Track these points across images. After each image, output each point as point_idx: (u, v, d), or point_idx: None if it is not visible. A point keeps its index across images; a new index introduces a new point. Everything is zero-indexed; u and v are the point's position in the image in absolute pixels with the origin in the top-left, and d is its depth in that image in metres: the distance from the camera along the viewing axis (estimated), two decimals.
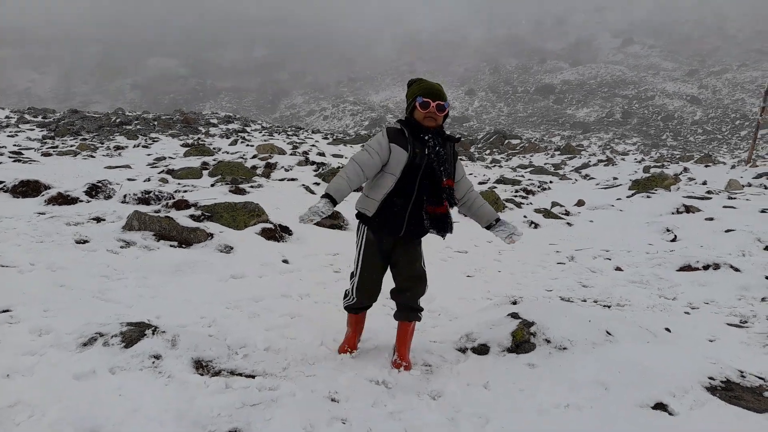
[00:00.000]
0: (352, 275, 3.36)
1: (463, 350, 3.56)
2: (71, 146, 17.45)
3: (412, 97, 3.18)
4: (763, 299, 4.94)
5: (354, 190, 3.15)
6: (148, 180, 9.71)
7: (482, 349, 3.48)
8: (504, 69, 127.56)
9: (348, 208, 8.24)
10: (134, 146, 18.08)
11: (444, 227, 3.21)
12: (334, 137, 30.01)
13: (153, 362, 2.95)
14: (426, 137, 3.11)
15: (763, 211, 8.97)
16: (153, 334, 3.20)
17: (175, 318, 3.69)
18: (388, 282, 3.48)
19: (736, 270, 5.71)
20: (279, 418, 2.61)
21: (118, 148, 17.24)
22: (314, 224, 7.24)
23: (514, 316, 3.72)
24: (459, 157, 3.37)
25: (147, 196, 7.27)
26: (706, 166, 21.00)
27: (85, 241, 5.18)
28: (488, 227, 3.36)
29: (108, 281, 4.31)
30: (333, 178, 3.07)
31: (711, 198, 11.21)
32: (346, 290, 3.44)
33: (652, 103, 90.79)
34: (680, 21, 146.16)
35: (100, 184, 7.52)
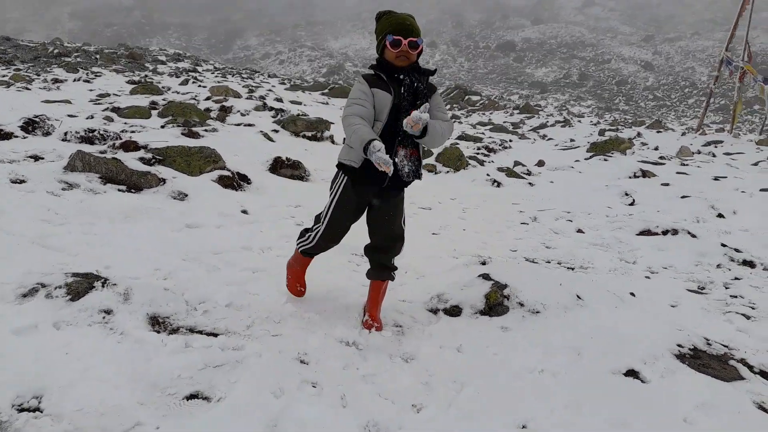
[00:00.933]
0: (318, 219, 3.14)
1: (434, 311, 3.46)
2: (3, 76, 16.03)
3: (381, 35, 2.90)
4: (718, 266, 5.08)
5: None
6: (92, 117, 9.00)
7: (454, 311, 3.39)
8: (467, 23, 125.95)
9: (308, 158, 7.93)
10: (74, 80, 16.78)
11: (417, 173, 3.00)
12: (292, 83, 28.97)
13: (103, 317, 2.70)
14: (401, 76, 2.87)
15: (715, 179, 9.26)
16: (103, 286, 2.93)
17: (126, 269, 3.40)
18: (360, 239, 3.31)
19: (693, 236, 5.85)
20: (245, 380, 2.43)
21: (56, 81, 15.95)
22: (274, 173, 6.95)
23: (486, 277, 3.63)
24: (437, 91, 3.11)
25: (91, 135, 6.71)
26: (658, 132, 21.58)
27: (21, 181, 4.71)
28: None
29: (49, 226, 3.92)
30: (349, 138, 2.76)
31: (664, 164, 11.50)
32: (307, 232, 3.22)
33: (608, 67, 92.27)
34: None
35: (37, 119, 6.87)
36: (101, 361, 2.40)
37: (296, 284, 3.33)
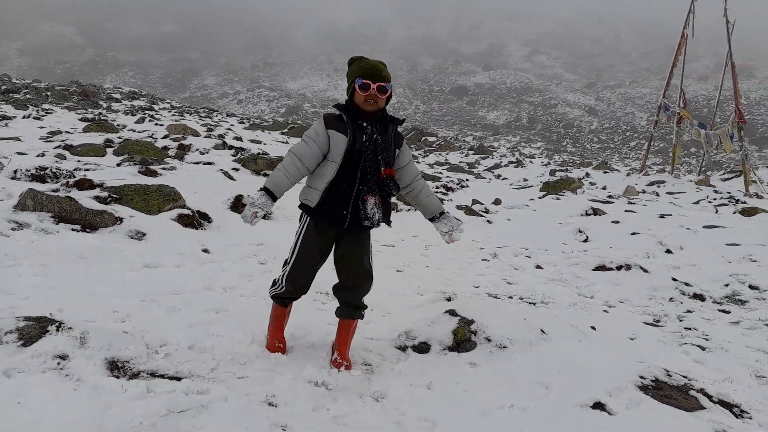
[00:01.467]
0: (286, 263, 3.12)
1: (402, 348, 3.44)
2: None
3: (351, 78, 2.97)
4: (671, 299, 5.28)
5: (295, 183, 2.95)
6: (43, 155, 8.70)
7: (423, 348, 3.39)
8: (421, 67, 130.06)
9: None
10: (24, 117, 16.22)
11: (387, 219, 3.06)
12: (251, 122, 28.94)
13: (58, 363, 2.55)
14: (364, 124, 2.93)
15: (661, 216, 9.73)
16: (57, 330, 2.78)
17: (82, 312, 3.25)
18: (326, 277, 3.29)
19: (645, 271, 6.09)
20: (212, 426, 2.33)
21: (4, 118, 15.39)
22: (235, 212, 6.85)
23: (452, 313, 3.66)
24: (404, 143, 3.20)
25: (42, 173, 6.47)
26: (605, 172, 22.58)
27: None
28: (432, 219, 3.22)
29: None
30: (272, 171, 2.86)
31: (613, 202, 12.01)
32: (275, 279, 3.20)
33: (554, 111, 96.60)
34: (581, 37, 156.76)
35: None
36: (57, 410, 2.26)
37: (274, 340, 3.20)
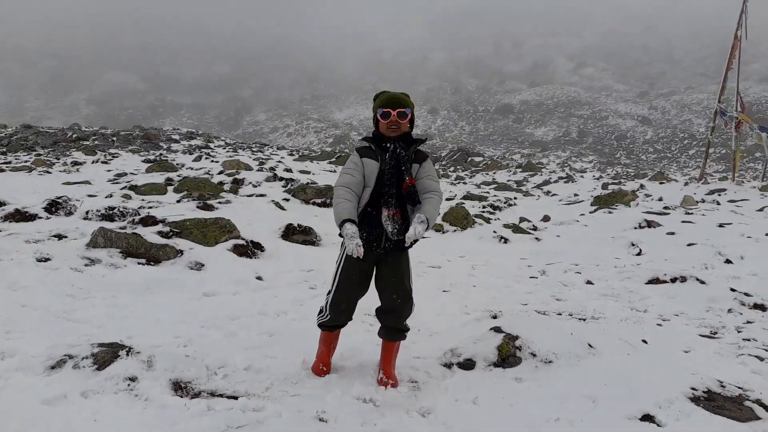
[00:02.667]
0: (329, 291, 3.28)
1: (448, 365, 3.52)
2: (25, 162, 16.74)
3: (374, 111, 3.19)
4: (729, 310, 5.10)
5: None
6: (110, 196, 9.36)
7: (468, 364, 3.45)
8: (465, 89, 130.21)
9: (319, 224, 8.15)
10: (93, 162, 17.48)
11: (402, 230, 3.06)
12: (300, 154, 29.84)
13: (128, 385, 2.80)
14: (387, 144, 3.12)
15: (720, 226, 9.35)
16: (127, 355, 3.04)
17: (148, 338, 3.53)
18: (372, 300, 3.43)
19: (702, 282, 5.89)
20: None
21: (75, 163, 16.63)
22: (286, 240, 7.14)
23: (497, 330, 3.71)
24: (429, 158, 3.29)
25: (111, 212, 7.00)
26: (661, 183, 21.80)
27: (46, 259, 4.92)
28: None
29: (74, 301, 4.09)
30: (335, 208, 3.02)
31: (669, 213, 11.61)
32: (321, 306, 3.35)
33: (605, 123, 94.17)
34: (630, 46, 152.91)
35: (59, 200, 7.19)
36: (129, 427, 2.49)
37: (319, 363, 3.34)
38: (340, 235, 3.16)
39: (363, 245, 2.98)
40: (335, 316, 3.24)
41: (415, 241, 2.97)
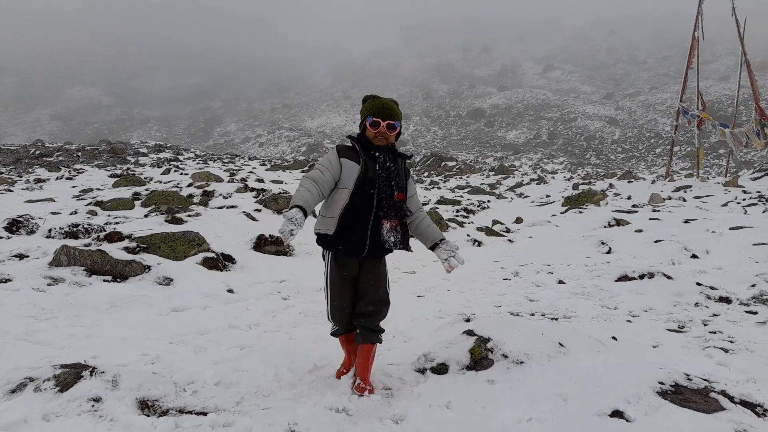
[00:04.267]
0: (326, 305, 3.33)
1: (422, 371, 3.51)
2: None
3: (363, 116, 3.20)
4: (696, 304, 5.21)
5: (311, 214, 3.10)
6: (75, 213, 9.14)
7: (441, 369, 3.45)
8: (436, 94, 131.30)
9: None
10: (57, 178, 17.03)
11: (404, 243, 3.19)
12: (272, 163, 29.61)
13: (93, 406, 2.72)
14: (376, 153, 3.12)
15: (686, 222, 9.58)
16: (91, 375, 2.95)
17: (114, 357, 3.43)
18: None
19: (669, 278, 6.02)
20: None
21: (38, 180, 16.19)
22: (258, 251, 7.06)
23: (470, 333, 3.72)
24: (411, 175, 3.38)
25: (75, 229, 6.82)
26: (629, 182, 22.28)
27: (7, 280, 4.77)
28: (432, 248, 3.32)
29: (35, 322, 3.96)
30: (294, 194, 2.98)
31: (637, 211, 11.86)
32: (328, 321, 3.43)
33: (574, 125, 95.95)
34: (595, 49, 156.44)
35: (21, 219, 6.98)
36: None
37: (341, 367, 3.49)
38: (318, 239, 3.16)
39: (347, 251, 3.09)
40: (338, 321, 3.32)
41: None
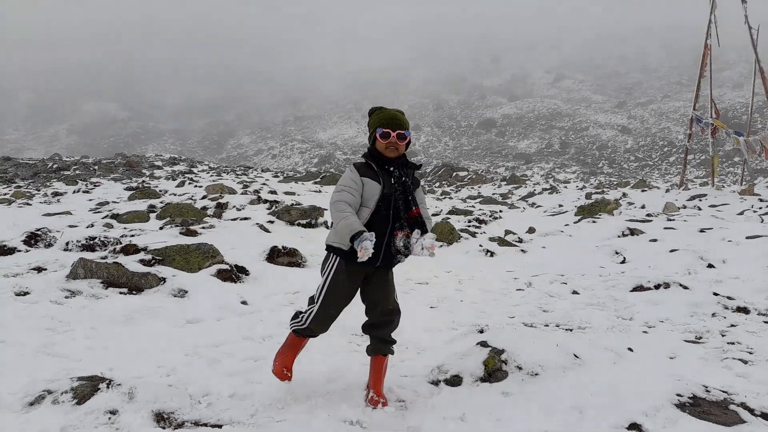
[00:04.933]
0: (312, 301, 3.21)
1: (435, 383, 3.50)
2: (5, 194, 16.50)
3: (372, 128, 3.20)
4: (713, 315, 5.14)
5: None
6: (92, 226, 9.25)
7: (455, 381, 3.43)
8: (447, 105, 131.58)
9: (304, 245, 8.11)
10: (74, 192, 17.29)
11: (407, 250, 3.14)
12: (285, 175, 29.80)
13: (109, 418, 2.75)
14: (391, 169, 3.14)
15: (702, 231, 9.47)
16: (107, 387, 2.99)
17: (130, 369, 3.46)
18: (358, 319, 3.40)
19: (685, 288, 5.94)
20: None
21: (56, 194, 16.44)
22: (271, 263, 7.09)
23: (484, 344, 3.70)
24: (421, 185, 3.39)
25: (92, 242, 6.91)
26: (643, 191, 22.09)
27: (25, 293, 4.84)
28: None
29: (53, 334, 4.01)
30: (337, 223, 3.01)
31: (652, 221, 11.75)
32: (299, 312, 3.28)
33: (586, 134, 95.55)
34: (606, 58, 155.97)
35: (39, 232, 7.10)
36: None
37: (282, 368, 3.25)
38: (330, 248, 3.14)
39: (358, 264, 3.00)
40: (315, 329, 3.21)
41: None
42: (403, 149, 3.20)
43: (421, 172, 37.53)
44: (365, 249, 2.79)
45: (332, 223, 3.13)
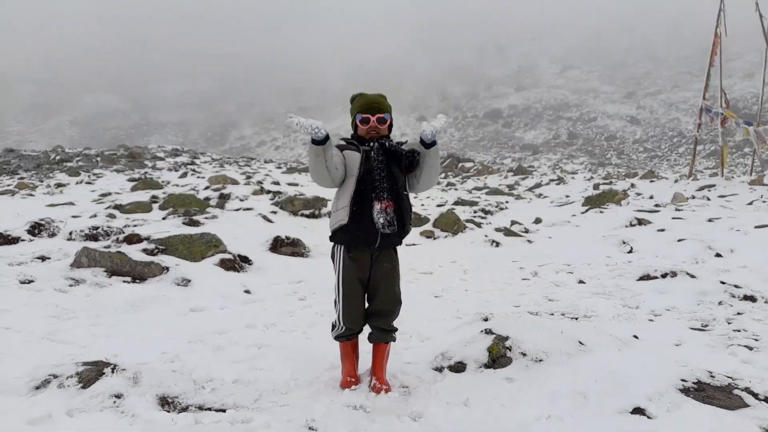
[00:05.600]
0: (335, 303, 3.26)
1: (439, 369, 3.49)
2: (8, 186, 16.59)
3: (353, 115, 3.21)
4: (720, 303, 5.11)
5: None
6: (95, 216, 9.29)
7: (459, 367, 3.43)
8: (452, 95, 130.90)
9: (307, 235, 8.12)
10: (77, 183, 17.37)
11: (393, 224, 3.09)
12: (288, 166, 29.79)
13: (114, 402, 2.75)
14: (370, 143, 3.13)
15: (710, 220, 9.40)
16: (112, 372, 2.99)
17: (134, 355, 3.47)
18: None
19: (692, 276, 5.90)
20: None
21: (59, 185, 16.51)
22: (274, 252, 7.09)
23: (488, 332, 3.69)
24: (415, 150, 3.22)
25: (95, 232, 6.94)
26: (651, 182, 21.93)
27: (30, 281, 4.86)
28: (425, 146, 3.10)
29: (58, 321, 4.03)
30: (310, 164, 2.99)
31: (659, 211, 11.67)
32: (333, 322, 3.32)
33: (594, 124, 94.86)
34: (613, 47, 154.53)
35: (42, 222, 7.13)
36: None
37: (347, 377, 3.26)
38: (333, 235, 3.14)
39: (361, 240, 3.05)
40: (351, 325, 3.22)
41: (433, 143, 3.04)
42: (385, 132, 3.19)
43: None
44: (310, 124, 2.78)
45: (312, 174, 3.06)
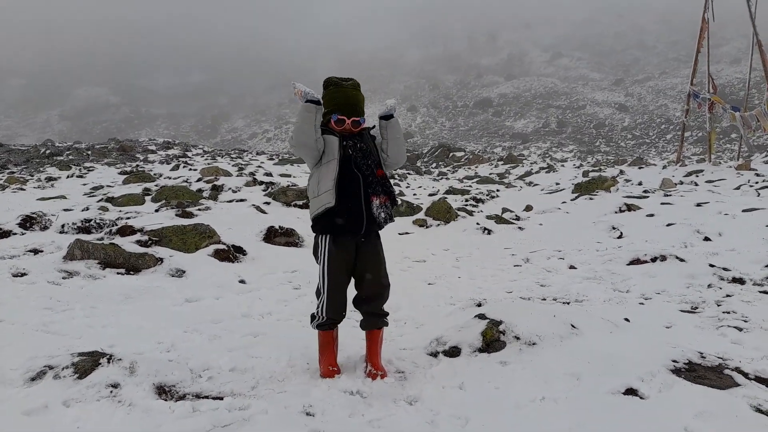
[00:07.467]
0: (319, 293, 3.24)
1: (434, 354, 3.53)
2: None
3: (327, 109, 3.18)
4: (709, 286, 5.18)
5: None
6: (87, 209, 9.22)
7: (453, 352, 3.47)
8: (443, 85, 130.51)
9: (301, 225, 8.11)
10: (68, 176, 17.19)
11: (392, 217, 3.22)
12: (280, 158, 29.66)
13: (111, 391, 2.76)
14: (345, 142, 3.15)
15: (698, 205, 9.50)
16: (108, 362, 3.00)
17: (130, 345, 3.48)
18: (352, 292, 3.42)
19: (682, 260, 5.98)
20: None
21: (50, 179, 16.34)
22: (268, 242, 7.09)
23: (482, 317, 3.73)
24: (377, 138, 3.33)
25: (87, 224, 6.89)
26: (640, 168, 22.09)
27: (23, 274, 4.84)
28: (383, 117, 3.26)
29: (52, 313, 4.02)
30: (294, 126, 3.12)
31: (648, 197, 11.77)
32: (313, 313, 3.29)
33: (583, 112, 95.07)
34: (602, 35, 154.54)
35: (34, 216, 7.06)
36: None
37: (327, 366, 3.25)
38: (316, 221, 3.16)
39: (347, 226, 3.08)
40: (333, 314, 3.21)
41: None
42: (357, 131, 3.22)
43: (418, 153, 37.44)
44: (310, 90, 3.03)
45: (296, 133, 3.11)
